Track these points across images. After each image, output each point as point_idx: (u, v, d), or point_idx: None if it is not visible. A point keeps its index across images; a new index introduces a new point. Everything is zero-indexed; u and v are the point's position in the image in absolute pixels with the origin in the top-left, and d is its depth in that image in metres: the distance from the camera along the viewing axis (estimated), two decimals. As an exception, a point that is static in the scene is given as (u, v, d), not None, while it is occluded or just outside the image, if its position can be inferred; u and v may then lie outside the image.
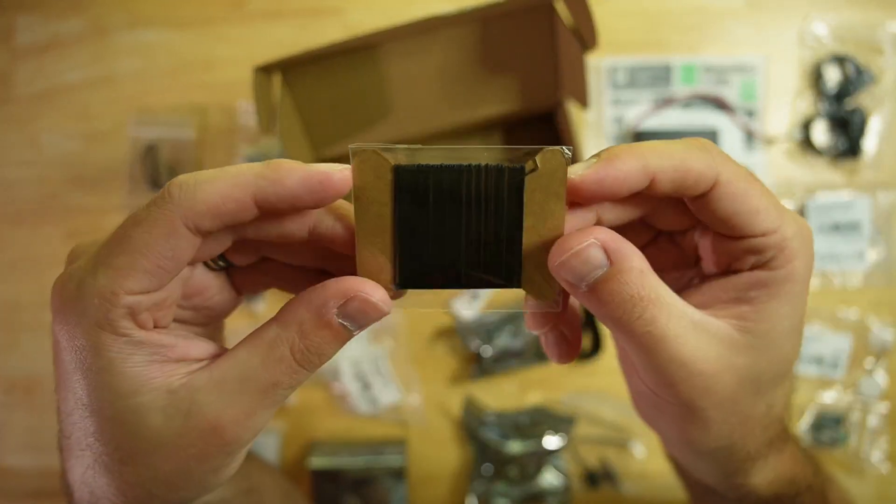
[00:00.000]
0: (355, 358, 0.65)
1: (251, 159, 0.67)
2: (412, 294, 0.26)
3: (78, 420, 0.25)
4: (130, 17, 0.70)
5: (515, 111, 0.62)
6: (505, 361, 0.65)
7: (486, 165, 0.23)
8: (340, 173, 0.23)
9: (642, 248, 0.30)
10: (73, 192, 0.69)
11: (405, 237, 0.24)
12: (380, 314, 0.24)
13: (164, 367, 0.24)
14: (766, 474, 0.30)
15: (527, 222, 0.24)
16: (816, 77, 0.68)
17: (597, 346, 0.65)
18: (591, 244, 0.23)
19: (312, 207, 0.24)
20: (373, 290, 0.24)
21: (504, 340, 0.64)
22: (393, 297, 0.25)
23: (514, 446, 0.63)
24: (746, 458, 0.29)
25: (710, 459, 0.29)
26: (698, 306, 0.26)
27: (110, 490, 0.25)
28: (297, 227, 0.25)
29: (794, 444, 0.33)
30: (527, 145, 0.24)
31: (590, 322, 0.65)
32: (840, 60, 0.67)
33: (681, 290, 0.27)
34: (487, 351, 0.64)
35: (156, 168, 0.68)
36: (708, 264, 0.28)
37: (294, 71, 0.55)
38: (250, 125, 0.68)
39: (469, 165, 0.23)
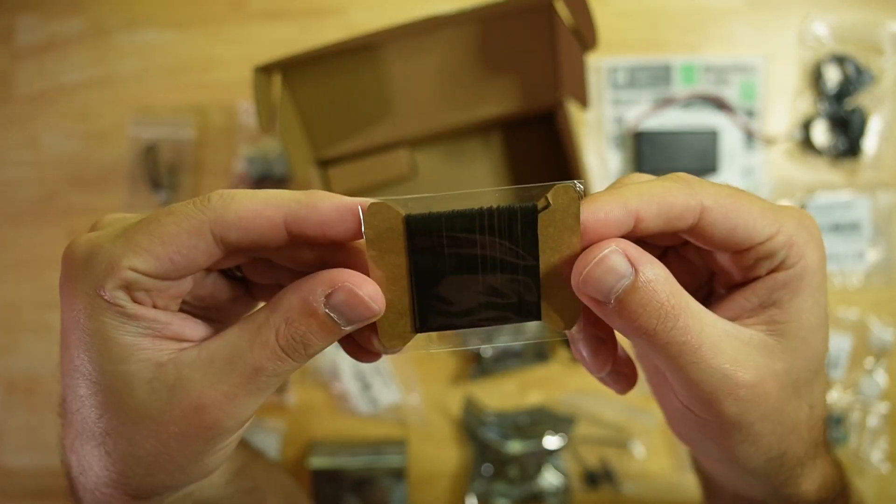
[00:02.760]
0: (355, 358, 0.65)
1: (251, 159, 0.67)
2: (434, 335, 0.26)
3: (70, 382, 0.25)
4: (130, 17, 0.70)
5: (515, 111, 0.62)
6: (505, 361, 0.65)
7: (498, 207, 0.23)
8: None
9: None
10: (73, 192, 0.69)
11: (422, 284, 0.24)
12: (368, 311, 0.24)
13: (155, 341, 0.25)
14: (814, 479, 0.30)
15: (542, 257, 0.24)
16: (816, 77, 0.68)
17: (597, 346, 0.65)
18: (613, 251, 0.23)
19: (342, 238, 0.24)
20: (362, 283, 0.23)
21: (504, 340, 0.64)
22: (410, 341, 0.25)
23: (514, 446, 0.63)
24: (797, 465, 0.28)
25: (760, 473, 0.28)
26: (731, 315, 0.26)
27: (94, 460, 0.26)
28: (318, 263, 0.26)
29: (828, 445, 0.32)
30: (537, 183, 0.24)
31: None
32: (840, 60, 0.67)
33: (718, 296, 0.28)
34: (487, 351, 0.64)
35: (156, 168, 0.68)
36: (723, 279, 0.28)
37: (294, 71, 0.55)
38: (250, 125, 0.68)
39: (480, 210, 0.23)
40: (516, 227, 0.24)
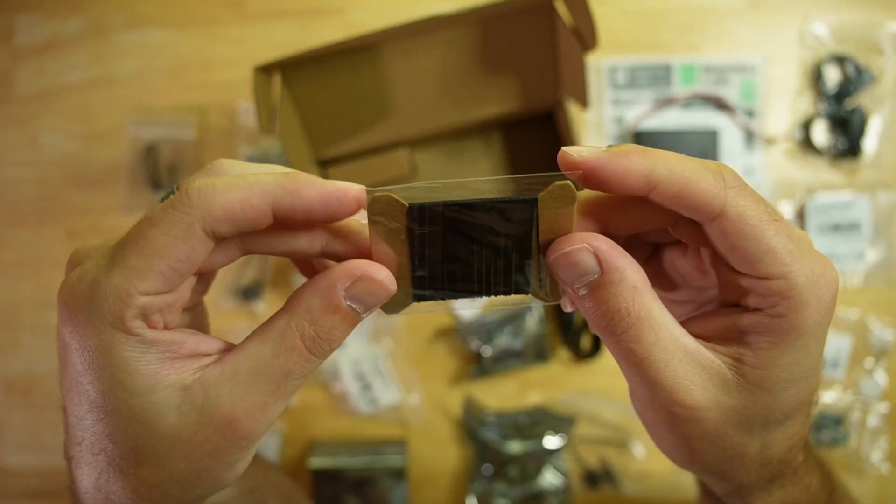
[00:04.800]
0: (355, 358, 0.65)
1: (251, 159, 0.67)
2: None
3: (91, 424, 0.25)
4: (130, 17, 0.70)
5: (515, 111, 0.62)
6: (505, 361, 0.65)
7: (498, 199, 0.24)
8: (356, 191, 0.24)
9: (649, 259, 0.29)
10: (73, 192, 0.69)
11: (420, 268, 0.25)
12: (386, 293, 0.25)
13: (175, 363, 0.24)
14: (770, 502, 0.29)
15: (536, 238, 0.25)
16: (816, 77, 0.68)
17: (597, 347, 0.65)
18: (582, 248, 0.24)
19: (326, 221, 0.25)
20: (377, 270, 0.24)
21: (504, 340, 0.64)
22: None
23: (514, 446, 0.63)
24: (741, 487, 0.28)
25: (703, 477, 0.29)
26: (700, 335, 0.25)
27: (126, 494, 0.25)
28: (307, 245, 0.26)
29: (811, 475, 0.31)
30: (532, 174, 0.24)
31: (590, 322, 0.65)
32: (840, 60, 0.67)
33: (691, 314, 0.27)
34: (487, 351, 0.64)
35: (156, 168, 0.68)
36: (720, 293, 0.27)
37: (294, 71, 0.55)
38: (250, 125, 0.68)
39: (481, 200, 0.24)
40: (514, 218, 0.24)
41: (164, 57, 0.70)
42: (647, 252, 0.30)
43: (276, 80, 0.54)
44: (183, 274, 0.23)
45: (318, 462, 0.62)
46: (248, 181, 0.23)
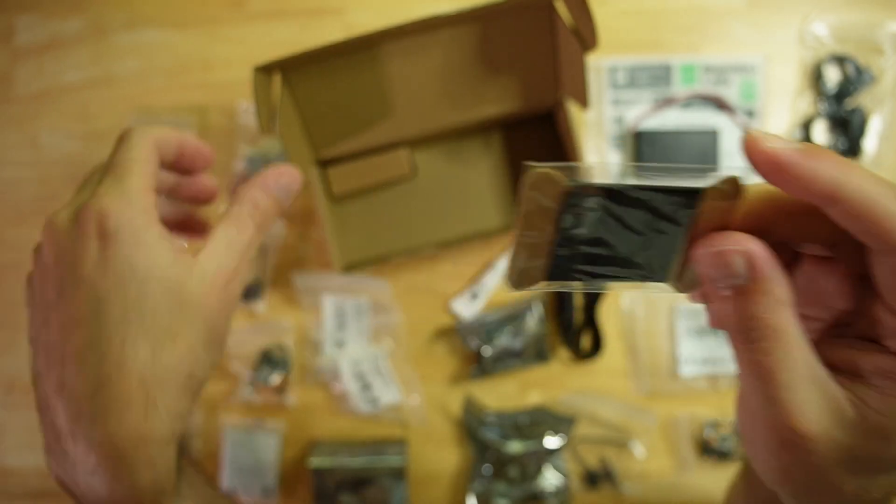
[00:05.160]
0: (355, 358, 0.65)
1: (251, 159, 0.67)
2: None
3: (132, 296, 0.31)
4: (130, 17, 0.70)
5: (516, 111, 0.62)
6: (505, 361, 0.65)
7: (662, 186, 0.23)
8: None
9: (787, 266, 0.27)
10: (73, 192, 0.69)
11: (563, 247, 0.25)
12: (297, 182, 0.38)
13: (173, 242, 0.33)
14: None
15: (689, 232, 0.24)
16: (816, 77, 0.68)
17: (597, 346, 0.65)
18: (737, 250, 0.23)
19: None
20: (291, 169, 0.38)
21: (504, 340, 0.64)
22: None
23: (514, 446, 0.63)
24: None
25: (786, 498, 0.27)
26: (835, 363, 0.25)
27: (176, 356, 0.31)
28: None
29: None
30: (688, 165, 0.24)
31: (590, 322, 0.65)
32: (840, 60, 0.67)
33: (818, 331, 0.26)
34: (487, 351, 0.64)
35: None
36: (860, 323, 0.26)
37: (294, 71, 0.55)
38: (250, 125, 0.68)
39: (644, 185, 0.24)
40: (670, 208, 0.24)
41: (164, 57, 0.70)
42: (787, 258, 0.29)
43: (277, 80, 0.54)
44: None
45: (317, 462, 0.62)
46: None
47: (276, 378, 0.65)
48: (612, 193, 0.24)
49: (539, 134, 0.65)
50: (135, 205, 0.32)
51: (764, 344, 0.23)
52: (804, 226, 0.25)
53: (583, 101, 0.55)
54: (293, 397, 0.66)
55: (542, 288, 0.26)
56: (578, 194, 0.24)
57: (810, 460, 0.24)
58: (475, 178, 0.66)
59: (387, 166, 0.63)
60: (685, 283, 0.26)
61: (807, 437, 0.23)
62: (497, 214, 0.65)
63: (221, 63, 0.69)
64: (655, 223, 0.24)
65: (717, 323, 0.26)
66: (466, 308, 0.66)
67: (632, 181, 0.24)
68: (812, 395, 0.23)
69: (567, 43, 0.54)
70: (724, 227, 0.24)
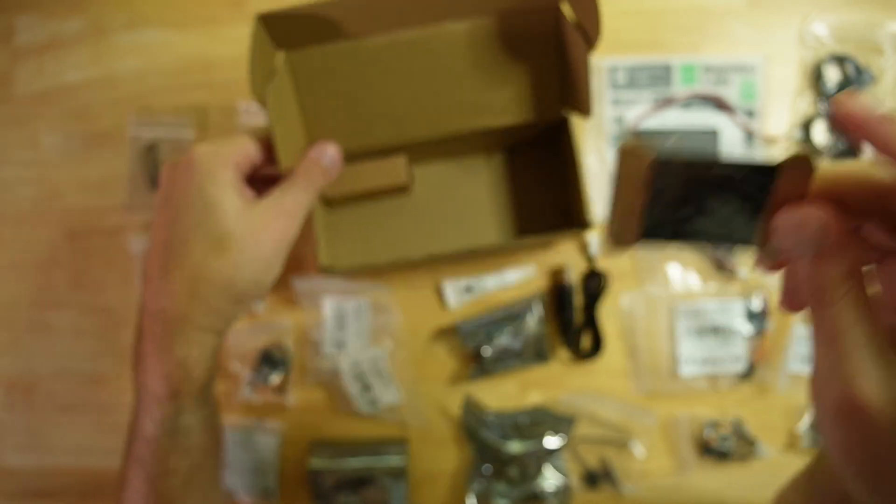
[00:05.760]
0: (355, 359, 0.65)
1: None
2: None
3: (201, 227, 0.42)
4: (130, 17, 0.70)
5: (519, 123, 0.61)
6: (505, 361, 0.65)
7: (737, 163, 0.27)
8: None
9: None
10: (73, 192, 0.69)
11: (653, 210, 0.29)
12: (338, 156, 0.51)
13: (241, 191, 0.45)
14: None
15: (767, 203, 0.27)
16: (816, 77, 0.68)
17: (597, 346, 0.65)
18: (817, 217, 0.25)
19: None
20: (332, 146, 0.51)
21: (504, 340, 0.64)
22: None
23: (514, 446, 0.63)
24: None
25: (854, 486, 0.27)
26: None
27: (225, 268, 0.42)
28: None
29: None
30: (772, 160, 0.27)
31: (590, 322, 0.65)
32: (840, 60, 0.67)
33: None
34: (487, 351, 0.64)
35: (156, 168, 0.68)
36: None
37: (299, 54, 0.54)
38: (251, 125, 0.68)
39: (722, 161, 0.27)
40: (752, 180, 0.27)
41: (164, 57, 0.70)
42: (871, 261, 0.30)
43: (280, 57, 0.54)
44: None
45: (317, 462, 0.62)
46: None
47: (275, 378, 0.65)
48: (694, 166, 0.27)
49: (542, 148, 0.64)
50: (218, 157, 0.43)
51: (837, 307, 0.24)
52: (874, 202, 0.27)
53: (586, 110, 0.54)
54: (293, 397, 0.66)
55: (639, 247, 0.30)
56: (667, 163, 0.27)
57: (870, 434, 0.24)
58: (474, 197, 0.65)
59: (384, 173, 0.62)
60: (766, 251, 0.29)
61: (866, 407, 0.23)
62: (495, 233, 0.65)
63: (221, 63, 0.69)
64: (736, 194, 0.27)
65: (788, 300, 0.28)
66: (455, 296, 0.66)
67: (714, 158, 0.27)
68: (875, 367, 0.24)
69: (572, 48, 0.54)
70: (799, 199, 0.27)
